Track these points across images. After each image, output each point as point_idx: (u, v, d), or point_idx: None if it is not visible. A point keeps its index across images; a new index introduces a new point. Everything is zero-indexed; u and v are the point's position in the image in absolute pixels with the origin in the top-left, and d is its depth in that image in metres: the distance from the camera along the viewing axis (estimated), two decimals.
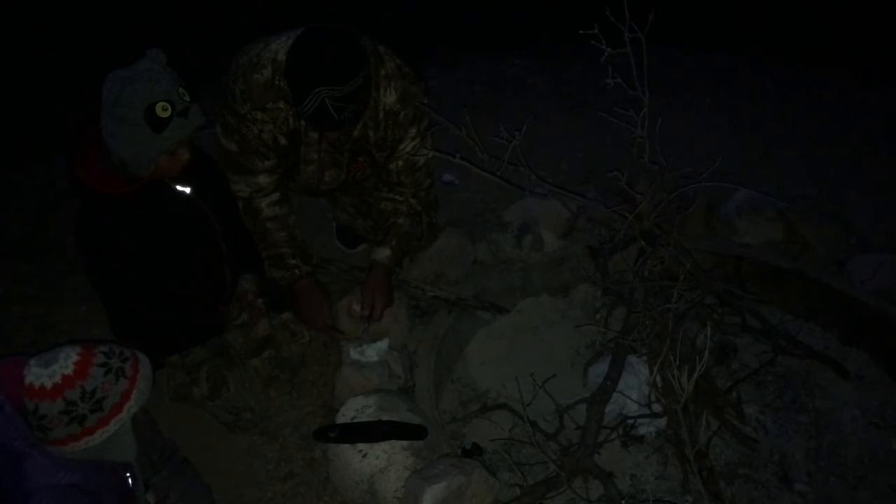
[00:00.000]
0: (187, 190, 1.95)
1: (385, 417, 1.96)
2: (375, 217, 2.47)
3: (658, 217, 2.21)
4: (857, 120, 3.79)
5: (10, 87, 4.21)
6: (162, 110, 1.68)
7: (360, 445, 1.92)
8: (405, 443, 1.92)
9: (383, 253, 2.33)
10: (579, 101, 4.03)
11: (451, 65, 4.46)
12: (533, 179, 2.22)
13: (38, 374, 1.34)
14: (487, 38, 5.09)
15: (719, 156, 2.32)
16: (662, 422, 2.14)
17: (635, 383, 2.20)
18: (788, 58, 4.54)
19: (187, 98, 1.74)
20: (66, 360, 1.35)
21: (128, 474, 1.53)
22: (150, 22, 5.03)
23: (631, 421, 2.16)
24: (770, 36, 5.01)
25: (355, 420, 1.98)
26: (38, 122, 3.78)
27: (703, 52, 4.69)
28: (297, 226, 2.37)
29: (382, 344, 2.23)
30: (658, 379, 2.09)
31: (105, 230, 1.83)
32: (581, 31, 1.87)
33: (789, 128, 3.76)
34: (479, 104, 3.95)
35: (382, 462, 1.89)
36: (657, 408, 2.15)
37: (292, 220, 2.35)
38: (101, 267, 1.88)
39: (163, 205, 1.92)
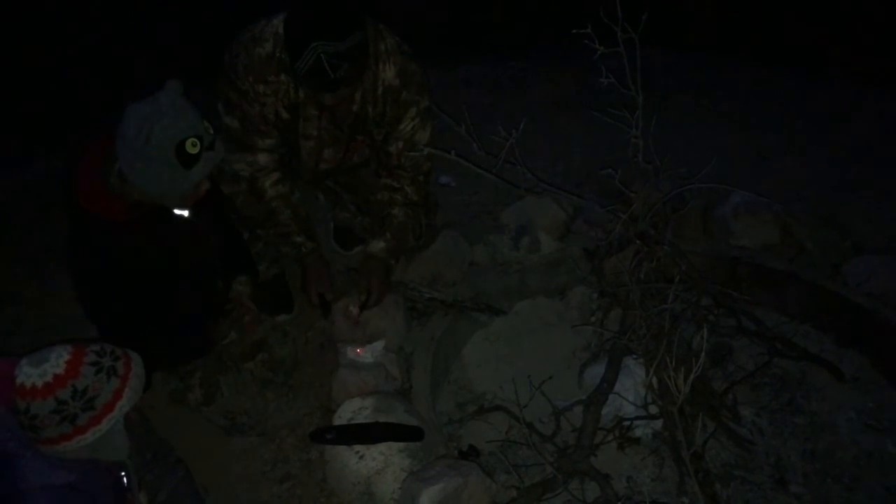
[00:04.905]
0: (185, 213, 1.90)
1: (382, 419, 1.96)
2: (373, 208, 2.47)
3: (653, 218, 2.21)
4: (854, 123, 3.80)
5: (5, 87, 4.19)
6: (192, 146, 1.64)
7: (357, 447, 1.93)
8: (402, 444, 1.93)
9: (377, 245, 2.33)
10: (576, 102, 4.04)
11: (449, 66, 4.47)
12: (529, 178, 2.22)
13: (29, 374, 1.33)
14: (485, 40, 5.09)
15: (715, 157, 2.33)
16: (658, 424, 2.14)
17: (631, 385, 2.20)
18: (785, 61, 4.55)
19: (212, 131, 1.71)
20: (58, 360, 1.35)
21: (122, 473, 1.52)
22: (148, 21, 5.02)
23: (627, 423, 2.16)
24: (767, 39, 5.02)
25: (352, 421, 1.98)
26: (34, 122, 3.77)
27: (700, 55, 4.70)
28: (300, 203, 2.38)
29: (378, 345, 2.24)
30: (654, 381, 2.09)
31: (101, 257, 1.79)
32: (574, 31, 1.87)
33: (786, 130, 3.77)
34: (477, 105, 3.95)
35: (379, 464, 1.89)
36: (653, 409, 2.15)
37: (295, 198, 2.36)
38: (92, 293, 1.86)
39: (161, 229, 1.87)
